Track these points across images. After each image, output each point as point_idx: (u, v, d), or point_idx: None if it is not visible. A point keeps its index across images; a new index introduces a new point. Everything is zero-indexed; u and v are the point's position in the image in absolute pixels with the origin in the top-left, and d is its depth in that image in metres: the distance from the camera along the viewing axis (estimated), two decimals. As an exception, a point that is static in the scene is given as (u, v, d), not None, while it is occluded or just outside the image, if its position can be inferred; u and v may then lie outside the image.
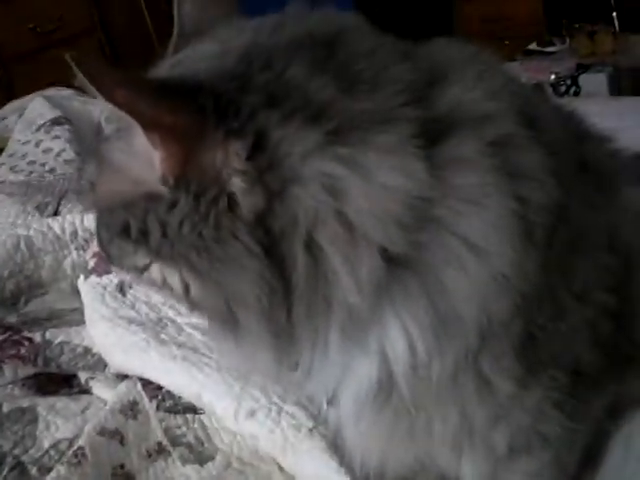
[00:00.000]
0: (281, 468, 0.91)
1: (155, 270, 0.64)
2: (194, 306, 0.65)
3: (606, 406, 0.81)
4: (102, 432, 0.92)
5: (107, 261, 0.72)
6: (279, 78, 0.59)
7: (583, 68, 3.15)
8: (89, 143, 0.69)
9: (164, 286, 0.65)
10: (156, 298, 1.12)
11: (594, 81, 3.07)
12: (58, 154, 1.81)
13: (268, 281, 0.58)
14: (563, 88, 3.06)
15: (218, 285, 0.60)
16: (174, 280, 0.63)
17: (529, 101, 0.69)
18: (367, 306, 0.60)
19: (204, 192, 0.57)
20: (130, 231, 0.62)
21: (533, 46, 3.56)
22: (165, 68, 0.68)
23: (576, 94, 3.05)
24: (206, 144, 0.56)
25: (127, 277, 0.77)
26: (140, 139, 0.57)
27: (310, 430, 0.89)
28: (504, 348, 0.65)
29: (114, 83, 0.53)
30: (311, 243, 0.58)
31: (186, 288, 0.63)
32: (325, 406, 0.74)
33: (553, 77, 3.07)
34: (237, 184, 0.57)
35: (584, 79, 3.10)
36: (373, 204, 0.57)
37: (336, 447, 0.85)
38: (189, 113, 0.55)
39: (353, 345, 0.63)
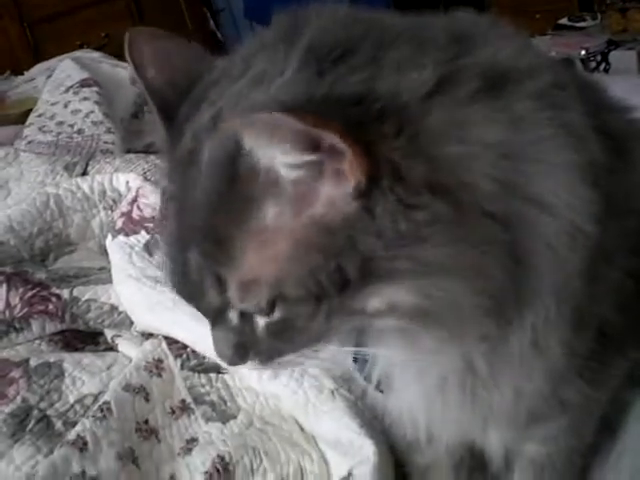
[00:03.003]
0: (302, 428, 0.92)
1: (374, 300, 0.58)
2: (422, 315, 0.59)
3: (625, 375, 0.81)
4: (127, 388, 0.94)
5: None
6: (375, 61, 0.58)
7: (614, 44, 3.12)
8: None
9: (387, 311, 0.58)
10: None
11: (624, 58, 3.04)
12: (86, 115, 1.82)
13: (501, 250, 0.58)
14: (593, 64, 3.04)
15: (455, 273, 0.57)
16: (399, 294, 0.58)
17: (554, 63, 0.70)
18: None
19: (395, 183, 0.55)
20: (346, 271, 0.57)
21: (564, 21, 3.52)
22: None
23: (606, 70, 3.03)
24: (373, 141, 0.55)
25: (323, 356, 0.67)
26: (304, 185, 0.56)
27: (332, 392, 0.90)
28: (565, 311, 0.65)
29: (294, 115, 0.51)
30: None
31: (415, 295, 0.58)
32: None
33: (583, 53, 3.05)
34: (401, 162, 0.56)
35: (614, 56, 3.07)
36: (475, 161, 0.57)
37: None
38: (347, 122, 0.54)
39: None
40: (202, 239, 0.60)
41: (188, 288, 0.65)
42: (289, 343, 0.63)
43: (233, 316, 0.64)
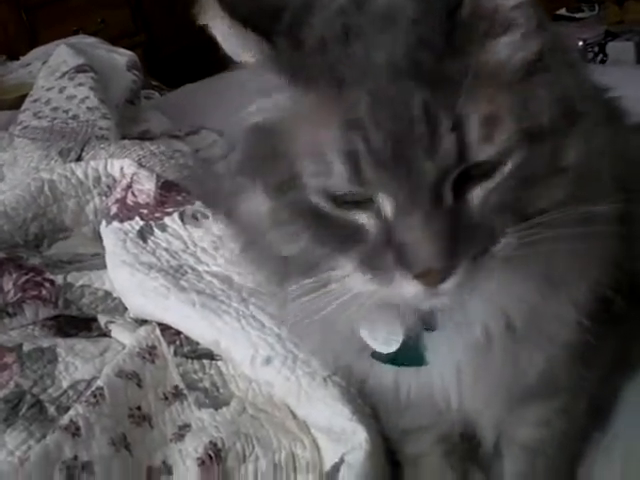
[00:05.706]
0: (294, 415, 0.92)
1: (572, 150, 0.60)
2: (581, 174, 0.62)
3: (613, 354, 0.83)
4: (120, 374, 0.94)
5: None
6: None
7: (611, 36, 3.13)
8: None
9: (571, 166, 0.60)
10: (176, 245, 1.13)
11: (621, 49, 3.06)
12: (81, 101, 1.81)
13: None
14: (590, 55, 3.04)
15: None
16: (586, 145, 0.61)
17: None
18: None
19: None
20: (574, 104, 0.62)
21: (562, 11, 3.52)
22: None
23: (603, 62, 3.03)
24: None
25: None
26: None
27: (324, 379, 0.90)
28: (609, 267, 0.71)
29: None
30: None
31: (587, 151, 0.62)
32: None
33: (581, 43, 3.05)
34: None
35: (611, 47, 3.08)
36: None
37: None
38: None
39: None
40: (429, 80, 0.55)
41: (410, 148, 0.55)
42: (509, 212, 0.59)
43: (448, 192, 0.57)
